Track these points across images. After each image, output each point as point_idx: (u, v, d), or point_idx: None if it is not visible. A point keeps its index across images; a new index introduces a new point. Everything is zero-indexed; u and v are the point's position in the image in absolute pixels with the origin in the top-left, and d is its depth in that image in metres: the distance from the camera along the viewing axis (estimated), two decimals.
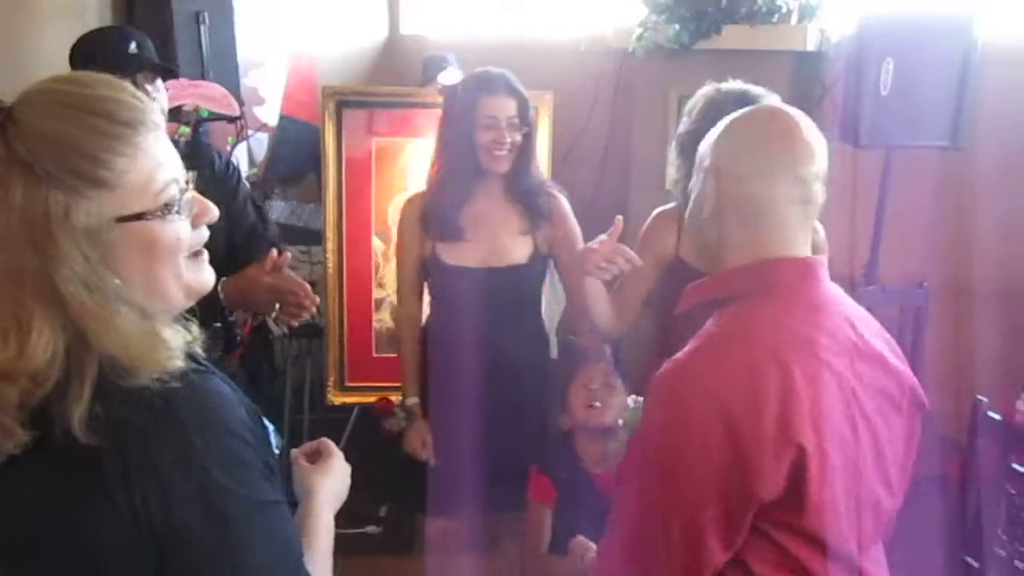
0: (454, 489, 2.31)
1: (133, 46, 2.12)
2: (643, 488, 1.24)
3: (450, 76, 3.21)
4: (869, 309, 3.23)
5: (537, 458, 2.28)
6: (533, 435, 2.36)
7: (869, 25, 3.04)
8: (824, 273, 1.29)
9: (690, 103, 2.10)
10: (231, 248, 2.21)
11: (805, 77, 3.34)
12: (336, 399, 3.38)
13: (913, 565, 2.61)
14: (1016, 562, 2.06)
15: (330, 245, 3.33)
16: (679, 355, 1.24)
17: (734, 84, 2.04)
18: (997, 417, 2.09)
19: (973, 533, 2.15)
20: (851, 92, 3.09)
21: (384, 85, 3.71)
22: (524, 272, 2.41)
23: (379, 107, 3.33)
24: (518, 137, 2.29)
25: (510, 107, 2.28)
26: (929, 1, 3.21)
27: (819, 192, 1.27)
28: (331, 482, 1.18)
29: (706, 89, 2.06)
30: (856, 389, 1.22)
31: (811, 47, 3.23)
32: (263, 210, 2.57)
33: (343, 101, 3.29)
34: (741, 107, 1.80)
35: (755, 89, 2.02)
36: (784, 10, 3.21)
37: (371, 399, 3.27)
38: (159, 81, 2.12)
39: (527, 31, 3.99)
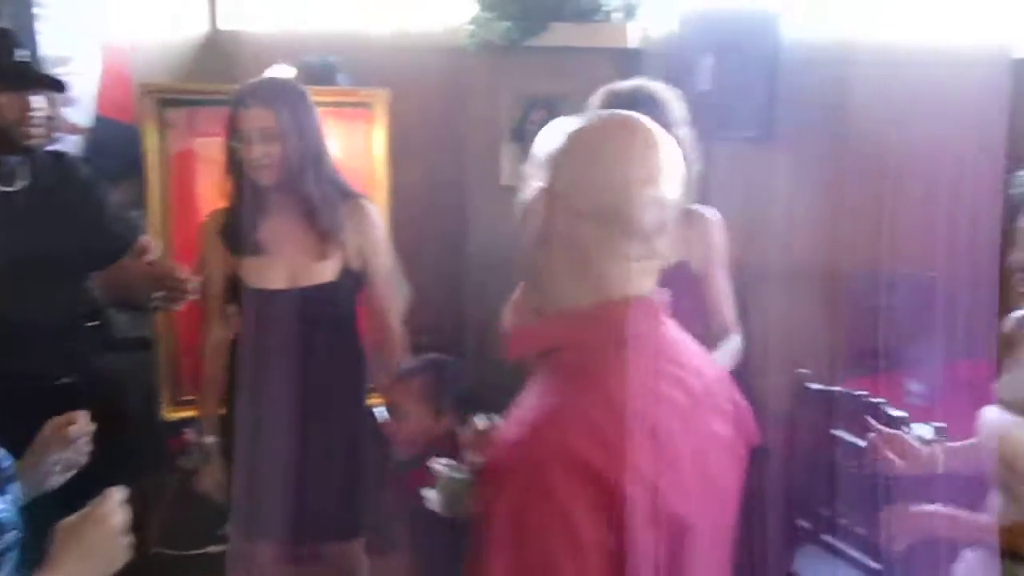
0: (257, 517, 2.20)
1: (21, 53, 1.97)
2: None
3: (276, 72, 3.12)
4: None
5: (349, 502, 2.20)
6: (346, 471, 2.29)
7: (687, 24, 3.20)
8: (665, 312, 1.15)
9: (590, 105, 2.01)
10: (90, 245, 2.09)
11: (629, 74, 3.46)
12: (171, 415, 3.21)
13: (748, 531, 2.77)
14: (840, 519, 2.22)
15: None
16: (523, 419, 1.04)
17: (631, 82, 1.99)
18: (818, 388, 2.24)
19: (801, 497, 2.30)
20: (673, 88, 3.24)
21: (205, 83, 3.55)
22: (332, 290, 2.28)
23: (205, 105, 3.16)
24: (275, 149, 2.17)
25: (263, 118, 2.16)
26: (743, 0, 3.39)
27: (664, 246, 1.10)
28: (75, 554, 1.07)
29: (603, 90, 2.01)
30: (703, 441, 1.11)
31: (634, 45, 3.35)
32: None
33: (165, 99, 3.13)
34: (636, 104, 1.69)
35: (649, 85, 1.98)
36: (607, 8, 3.31)
37: None
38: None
39: (358, 27, 3.93)
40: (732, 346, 2.06)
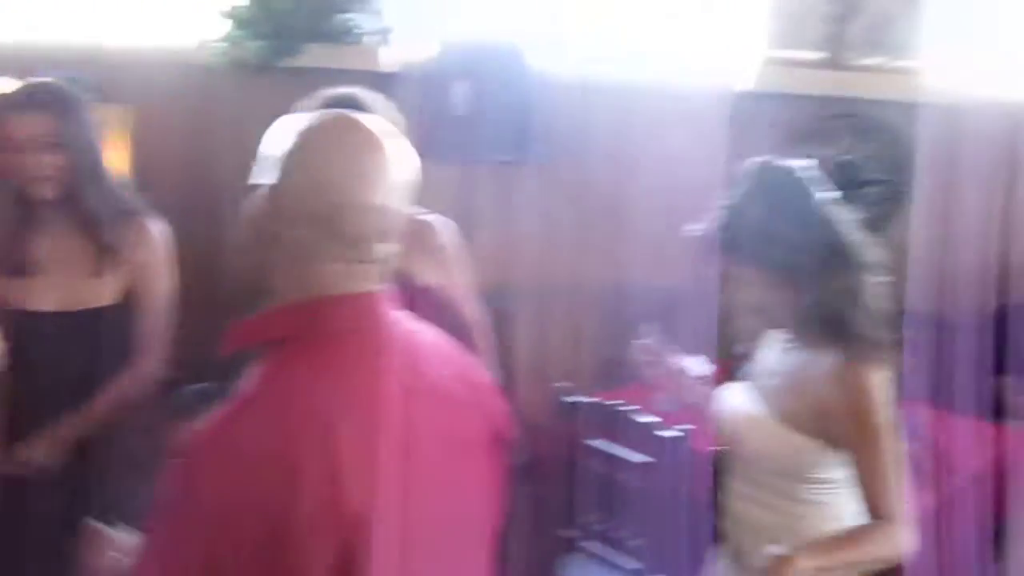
0: None
1: None
2: None
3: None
4: None
5: None
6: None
7: (442, 49, 3.27)
8: (390, 309, 1.13)
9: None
10: None
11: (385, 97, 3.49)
12: None
13: (517, 547, 2.84)
14: (599, 525, 2.32)
15: None
16: (204, 422, 1.04)
17: (344, 90, 1.94)
18: (571, 400, 2.34)
19: (564, 508, 2.39)
20: (428, 112, 3.30)
21: None
22: (108, 315, 2.11)
23: None
24: (57, 158, 2.01)
25: (42, 125, 2.00)
26: (491, 27, 3.51)
27: (383, 249, 1.10)
28: None
29: (315, 98, 1.93)
30: (421, 442, 1.08)
31: (387, 68, 3.37)
32: None
33: None
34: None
35: (362, 93, 1.94)
36: (362, 31, 3.31)
37: None
38: None
39: (105, 41, 3.66)
40: (484, 350, 2.11)
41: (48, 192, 2.03)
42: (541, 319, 3.58)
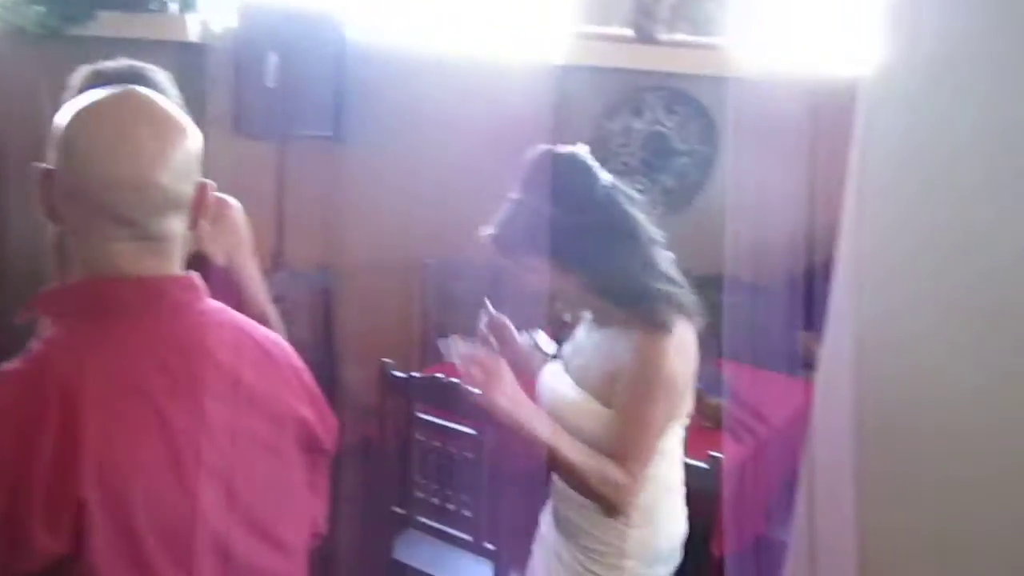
0: None
1: None
2: None
3: None
4: (282, 296, 3.33)
5: None
6: None
7: (250, 18, 3.11)
8: (181, 296, 1.10)
9: (69, 87, 1.81)
10: None
11: (189, 69, 3.28)
12: None
13: (352, 526, 2.78)
14: (433, 499, 2.30)
15: None
16: None
17: (119, 62, 1.79)
18: (401, 375, 2.30)
19: (399, 483, 2.35)
20: (239, 84, 3.14)
21: None
22: None
23: None
24: None
25: None
26: None
27: (164, 224, 1.07)
28: None
29: (85, 70, 1.79)
30: (191, 433, 1.05)
31: (193, 38, 3.18)
32: None
33: None
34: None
35: (140, 66, 1.80)
36: None
37: None
38: None
39: None
40: (278, 330, 2.03)
41: None
42: (364, 297, 3.51)
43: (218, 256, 1.91)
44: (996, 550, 1.29)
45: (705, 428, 2.56)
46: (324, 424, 1.24)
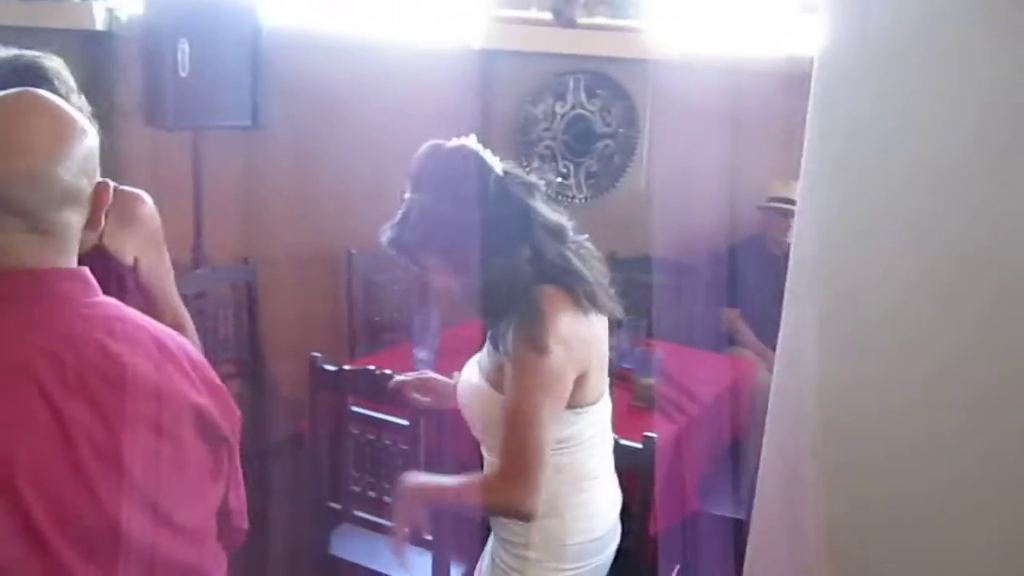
0: None
1: None
2: None
3: None
4: (204, 292, 3.22)
5: None
6: None
7: (158, 5, 3.00)
8: (71, 287, 1.12)
9: None
10: None
11: (95, 58, 3.16)
12: None
13: (286, 522, 2.73)
14: (369, 492, 2.27)
15: None
16: None
17: (8, 50, 1.69)
18: (332, 368, 2.26)
19: (331, 479, 2.31)
20: (149, 74, 3.02)
21: None
22: None
23: None
24: None
25: None
26: None
27: (59, 216, 1.09)
28: None
29: None
30: (83, 421, 1.06)
31: (100, 26, 3.06)
32: None
33: None
34: (17, 75, 1.58)
35: (31, 53, 1.70)
36: None
37: None
38: None
39: None
40: (192, 331, 1.99)
41: None
42: (289, 290, 3.45)
43: (127, 255, 1.84)
44: (958, 524, 1.30)
45: (637, 408, 2.60)
46: (224, 414, 1.24)
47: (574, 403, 1.62)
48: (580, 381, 1.61)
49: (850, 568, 1.40)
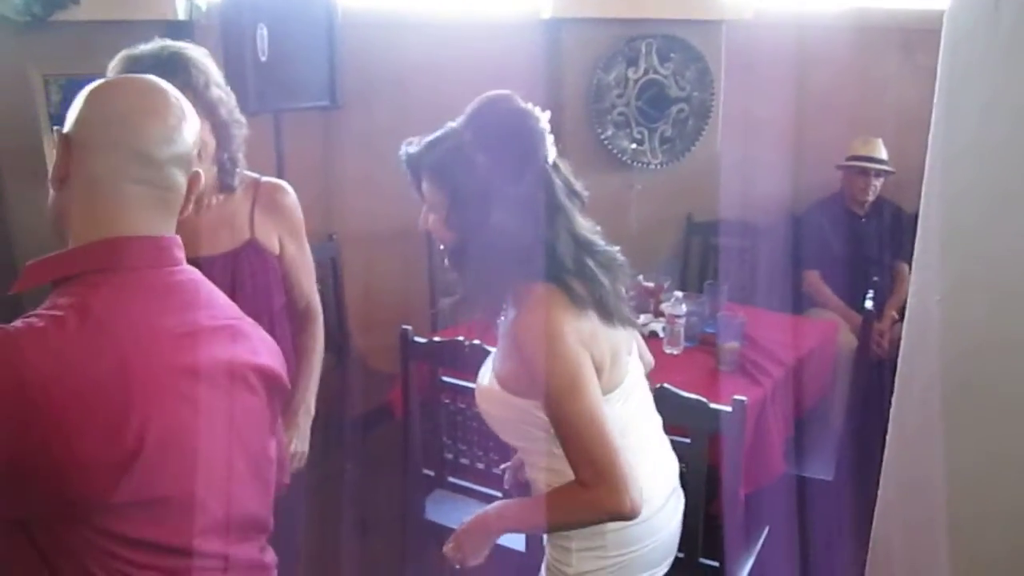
0: None
1: None
2: None
3: None
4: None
5: None
6: None
7: None
8: (177, 252, 1.21)
9: (108, 71, 1.75)
10: None
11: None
12: None
13: (383, 490, 2.83)
14: (461, 459, 2.34)
15: None
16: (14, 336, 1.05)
17: (154, 43, 1.76)
18: (422, 340, 2.32)
19: (424, 446, 2.39)
20: (231, 60, 3.10)
21: None
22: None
23: None
24: None
25: None
26: None
27: (176, 176, 1.18)
28: None
29: (122, 56, 1.76)
30: (204, 372, 1.16)
31: (181, 16, 3.15)
32: None
33: None
34: (161, 64, 1.65)
35: (176, 45, 1.77)
36: None
37: None
38: None
39: None
40: (320, 321, 2.08)
41: None
42: (370, 264, 3.52)
43: (274, 245, 1.93)
44: None
45: (722, 372, 2.62)
46: (282, 365, 1.34)
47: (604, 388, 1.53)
48: (600, 367, 1.52)
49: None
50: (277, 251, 1.96)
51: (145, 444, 1.05)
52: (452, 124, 1.55)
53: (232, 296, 1.33)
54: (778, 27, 3.64)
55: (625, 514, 1.45)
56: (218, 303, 1.25)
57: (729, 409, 1.96)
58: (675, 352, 2.75)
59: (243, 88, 3.06)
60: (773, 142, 3.62)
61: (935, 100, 1.36)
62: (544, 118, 1.55)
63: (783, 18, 3.70)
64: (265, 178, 2.01)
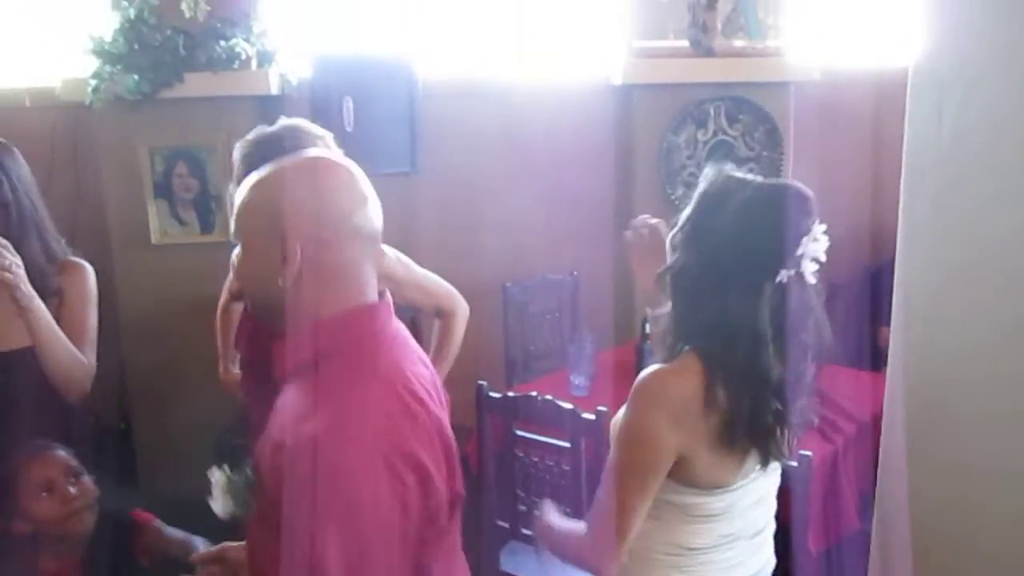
0: None
1: None
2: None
3: None
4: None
5: None
6: None
7: (325, 68, 3.29)
8: (390, 311, 1.30)
9: (238, 159, 1.92)
10: None
11: (271, 119, 3.48)
12: None
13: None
14: (535, 511, 2.41)
15: None
16: (320, 417, 1.15)
17: (279, 124, 1.95)
18: (498, 395, 2.42)
19: (498, 498, 2.46)
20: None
21: None
22: (30, 356, 2.07)
23: None
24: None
25: None
26: (373, 43, 3.56)
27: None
28: None
29: (251, 138, 1.93)
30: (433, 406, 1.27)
31: (274, 91, 3.37)
32: None
33: None
34: (294, 144, 1.76)
35: (295, 123, 1.95)
36: (244, 56, 3.30)
37: None
38: None
39: None
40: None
41: None
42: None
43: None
44: None
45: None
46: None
47: (685, 479, 1.52)
48: (687, 461, 1.49)
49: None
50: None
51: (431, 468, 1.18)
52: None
53: None
54: (847, 86, 3.69)
55: (591, 569, 1.56)
56: (421, 357, 1.35)
57: (796, 464, 1.99)
58: None
59: None
60: (846, 199, 3.64)
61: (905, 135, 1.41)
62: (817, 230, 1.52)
63: (852, 76, 3.75)
64: None
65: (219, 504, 1.93)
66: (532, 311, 3.58)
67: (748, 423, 1.47)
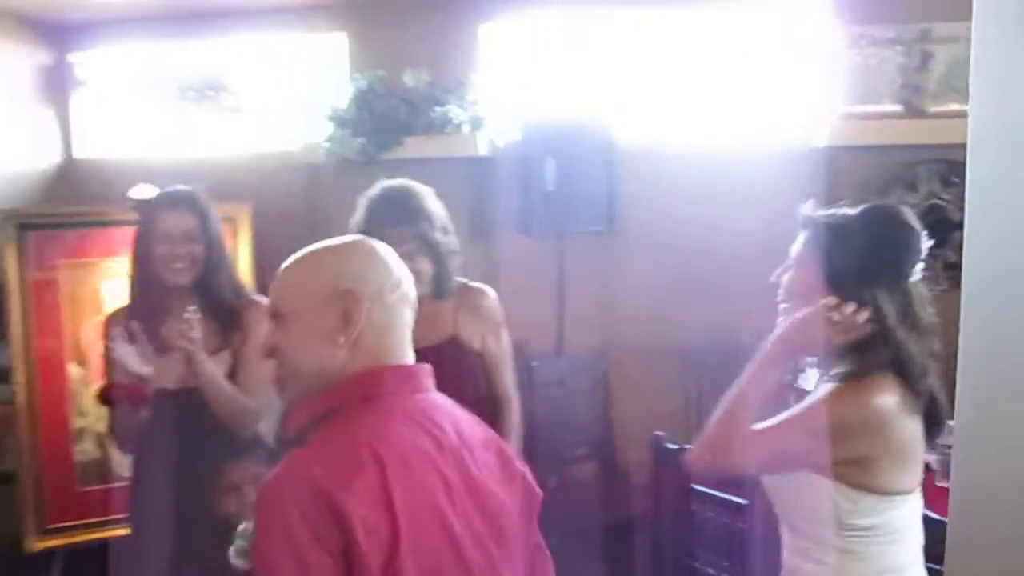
0: None
1: None
2: None
3: (141, 191, 3.19)
4: (563, 380, 3.54)
5: None
6: None
7: (531, 131, 3.49)
8: (426, 379, 1.39)
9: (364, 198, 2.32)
10: None
11: (480, 179, 3.71)
12: (37, 545, 3.08)
13: None
14: (709, 569, 2.37)
15: (19, 378, 3.10)
16: (281, 464, 1.24)
17: (395, 181, 2.30)
18: (674, 446, 2.41)
19: (674, 555, 2.44)
20: (522, 190, 3.51)
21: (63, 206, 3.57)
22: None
23: (65, 227, 3.21)
24: (197, 249, 2.28)
25: (187, 222, 2.28)
26: (574, 108, 3.72)
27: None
28: None
29: (377, 187, 2.30)
30: (455, 478, 1.31)
31: (483, 152, 3.60)
32: None
33: (24, 223, 3.13)
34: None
35: (405, 184, 2.30)
36: (456, 121, 3.56)
37: (80, 539, 3.04)
38: None
39: (213, 149, 4.06)
40: (515, 408, 2.33)
41: (184, 279, 2.28)
42: (636, 380, 3.67)
43: (474, 342, 2.24)
44: None
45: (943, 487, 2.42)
46: (532, 491, 1.46)
47: (878, 489, 1.63)
48: (866, 464, 1.62)
49: None
50: (478, 347, 2.26)
51: (400, 529, 1.21)
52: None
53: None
54: None
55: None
56: (464, 421, 1.41)
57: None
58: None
59: (531, 215, 3.44)
60: None
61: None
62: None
63: None
64: (472, 283, 2.33)
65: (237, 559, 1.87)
66: (718, 375, 3.52)
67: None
